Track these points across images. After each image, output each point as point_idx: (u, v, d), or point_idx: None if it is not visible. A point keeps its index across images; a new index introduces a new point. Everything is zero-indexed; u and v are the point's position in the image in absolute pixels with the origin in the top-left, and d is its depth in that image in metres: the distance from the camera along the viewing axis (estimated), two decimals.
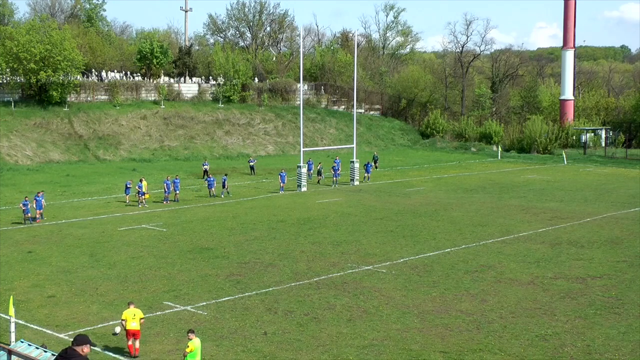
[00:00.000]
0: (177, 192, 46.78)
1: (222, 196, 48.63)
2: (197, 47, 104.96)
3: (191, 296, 25.23)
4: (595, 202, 47.26)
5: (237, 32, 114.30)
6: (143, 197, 44.47)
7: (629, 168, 69.86)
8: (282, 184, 51.21)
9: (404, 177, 60.64)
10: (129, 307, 20.14)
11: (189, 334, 18.27)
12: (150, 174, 60.15)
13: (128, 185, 46.13)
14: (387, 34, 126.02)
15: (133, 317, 19.76)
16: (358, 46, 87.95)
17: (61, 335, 21.02)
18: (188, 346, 18.01)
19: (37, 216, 39.32)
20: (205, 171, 58.32)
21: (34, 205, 39.32)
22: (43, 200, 39.97)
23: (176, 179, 47.57)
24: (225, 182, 49.61)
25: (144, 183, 45.75)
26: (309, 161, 60.62)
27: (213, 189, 48.31)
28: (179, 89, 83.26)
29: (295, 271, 28.79)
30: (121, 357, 19.57)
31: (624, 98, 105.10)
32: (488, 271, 28.93)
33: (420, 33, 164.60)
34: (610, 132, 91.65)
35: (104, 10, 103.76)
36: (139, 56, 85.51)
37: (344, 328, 21.96)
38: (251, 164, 62.78)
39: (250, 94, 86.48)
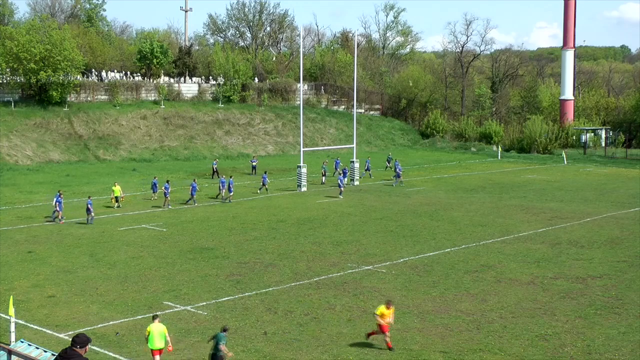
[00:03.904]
0: (231, 192, 46.93)
1: (259, 191, 50.13)
2: (197, 47, 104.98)
3: (191, 296, 25.23)
4: (595, 202, 47.26)
5: (237, 32, 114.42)
6: (168, 197, 44.18)
7: (629, 168, 69.87)
8: (341, 188, 49.50)
9: (404, 177, 60.56)
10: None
11: (154, 319, 18.78)
12: (150, 174, 60.15)
13: (155, 183, 46.76)
14: (387, 34, 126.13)
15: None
16: (358, 46, 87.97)
17: (61, 335, 21.01)
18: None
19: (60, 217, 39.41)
20: (215, 171, 58.59)
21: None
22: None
23: (230, 178, 47.91)
24: (266, 179, 50.90)
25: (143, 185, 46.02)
26: (337, 160, 61.24)
27: (224, 191, 47.61)
28: (179, 89, 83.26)
29: (295, 271, 28.79)
30: (121, 357, 19.56)
31: (623, 98, 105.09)
32: (488, 271, 28.93)
33: (420, 33, 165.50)
34: (610, 132, 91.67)
35: (104, 10, 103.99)
36: (139, 56, 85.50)
37: (344, 328, 21.96)
38: (253, 163, 62.88)
39: (250, 94, 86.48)
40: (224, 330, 18.61)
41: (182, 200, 46.43)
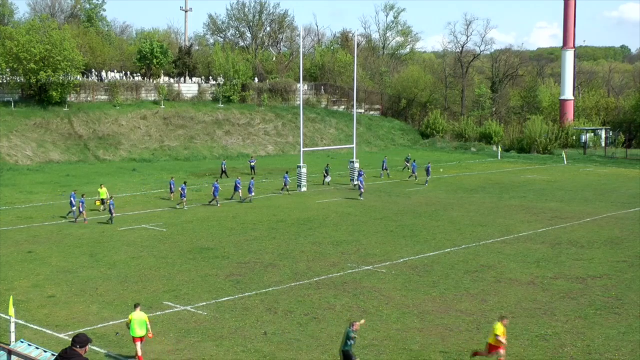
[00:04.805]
0: (252, 193, 46.87)
1: (289, 193, 50.20)
2: (197, 47, 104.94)
3: (191, 296, 25.23)
4: (595, 202, 47.27)
5: (237, 32, 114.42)
6: (184, 199, 43.98)
7: (628, 168, 69.88)
8: (361, 190, 48.50)
9: (404, 177, 60.62)
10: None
11: (135, 307, 19.59)
12: (150, 174, 60.21)
13: (172, 184, 46.96)
14: (387, 34, 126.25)
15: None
16: (358, 46, 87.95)
17: (61, 335, 21.01)
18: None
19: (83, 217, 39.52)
20: (224, 171, 58.76)
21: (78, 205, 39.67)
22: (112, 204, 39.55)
23: (251, 179, 48.13)
24: (287, 179, 51.14)
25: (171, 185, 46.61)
26: (350, 161, 61.34)
27: (239, 192, 47.39)
28: (178, 89, 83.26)
29: (295, 271, 28.79)
30: (121, 357, 19.57)
31: (623, 98, 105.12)
32: (488, 271, 28.93)
33: (420, 33, 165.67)
34: (610, 132, 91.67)
35: (104, 10, 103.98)
36: (138, 56, 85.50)
37: (343, 328, 21.92)
38: (251, 163, 62.90)
39: (250, 94, 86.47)
40: (352, 325, 18.80)
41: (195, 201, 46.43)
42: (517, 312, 23.54)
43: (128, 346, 20.22)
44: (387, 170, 61.33)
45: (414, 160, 61.26)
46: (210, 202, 45.38)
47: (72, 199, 40.23)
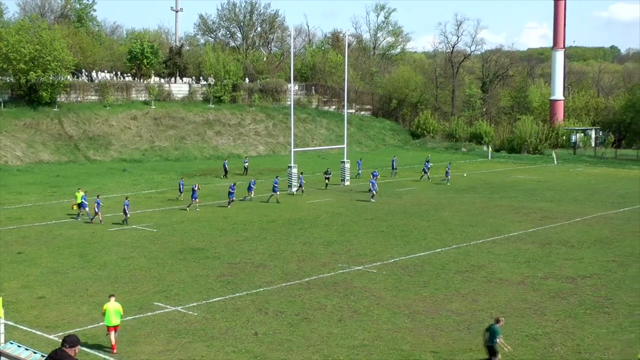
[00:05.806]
0: (277, 192, 46.86)
1: (303, 194, 50.27)
2: (187, 48, 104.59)
3: (182, 297, 25.18)
4: (585, 202, 47.46)
5: (228, 33, 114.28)
6: (196, 200, 43.55)
7: (618, 168, 70.22)
8: (373, 192, 47.89)
9: (395, 177, 60.71)
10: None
11: (110, 297, 20.38)
12: (140, 174, 60.08)
13: (181, 185, 47.13)
14: (378, 34, 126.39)
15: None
16: (349, 46, 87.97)
17: (51, 337, 20.93)
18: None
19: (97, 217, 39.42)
20: (226, 170, 58.77)
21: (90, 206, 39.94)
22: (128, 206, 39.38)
23: (276, 178, 48.31)
24: (301, 180, 51.23)
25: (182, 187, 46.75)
26: (358, 161, 61.14)
27: (252, 193, 47.54)
28: (169, 89, 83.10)
29: (286, 271, 28.78)
30: (111, 358, 19.51)
31: (613, 98, 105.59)
32: (478, 271, 29.00)
33: (410, 33, 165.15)
34: (600, 132, 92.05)
35: (94, 10, 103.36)
36: (129, 56, 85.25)
37: (334, 328, 21.97)
38: (245, 164, 62.94)
39: (240, 94, 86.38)
40: (497, 322, 18.67)
41: (173, 199, 46.34)
42: (508, 311, 23.60)
43: (118, 347, 20.16)
44: (396, 170, 61.62)
45: (428, 160, 61.71)
46: (229, 203, 44.86)
47: (83, 200, 40.17)
